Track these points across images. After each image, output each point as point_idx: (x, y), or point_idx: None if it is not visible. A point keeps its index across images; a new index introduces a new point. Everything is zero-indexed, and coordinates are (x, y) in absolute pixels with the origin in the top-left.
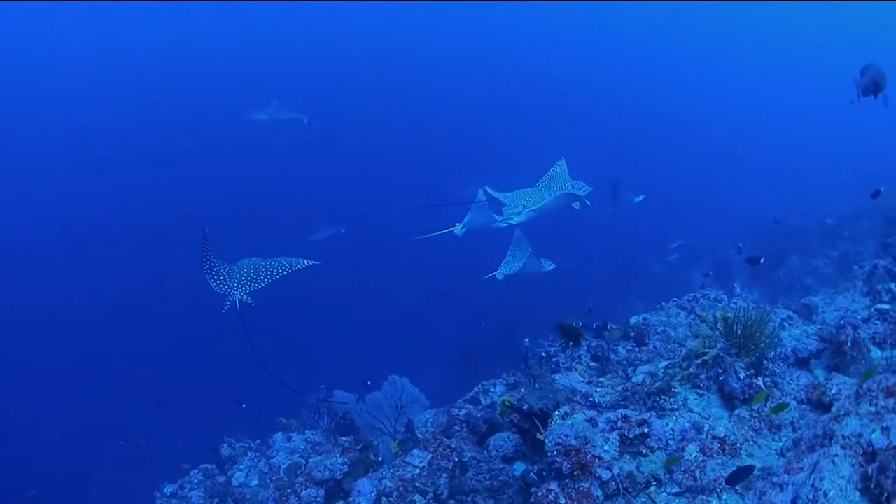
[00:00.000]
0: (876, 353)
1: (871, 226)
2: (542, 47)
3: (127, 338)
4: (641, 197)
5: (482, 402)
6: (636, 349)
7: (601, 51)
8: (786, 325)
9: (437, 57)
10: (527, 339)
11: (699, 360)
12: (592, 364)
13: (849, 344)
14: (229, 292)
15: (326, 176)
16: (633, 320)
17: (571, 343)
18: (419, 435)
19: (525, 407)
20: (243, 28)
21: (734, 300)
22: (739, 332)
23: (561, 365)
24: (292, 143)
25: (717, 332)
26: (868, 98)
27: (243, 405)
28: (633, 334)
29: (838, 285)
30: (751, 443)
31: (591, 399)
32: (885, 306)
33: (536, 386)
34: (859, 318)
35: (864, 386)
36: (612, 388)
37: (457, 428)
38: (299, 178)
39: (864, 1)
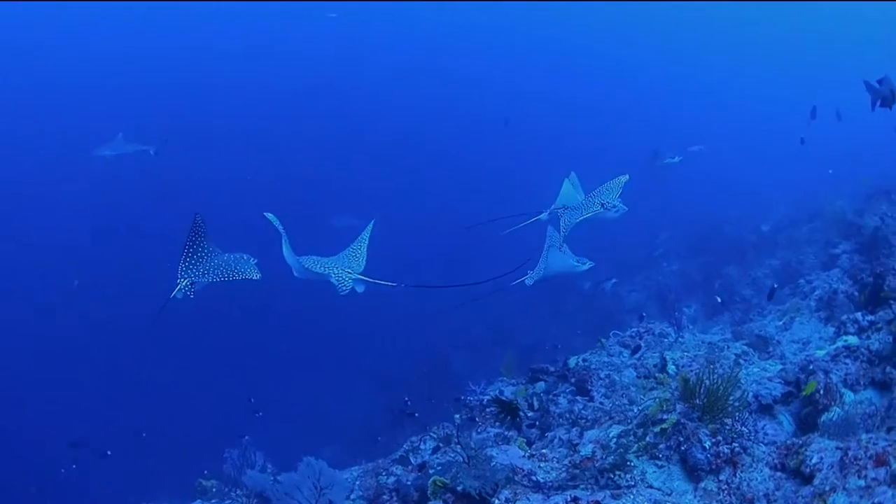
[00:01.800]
0: (849, 396)
1: (810, 232)
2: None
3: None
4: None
5: (412, 461)
6: (578, 400)
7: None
8: (742, 361)
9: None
10: (456, 417)
11: (657, 429)
12: (530, 414)
13: (821, 392)
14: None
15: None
16: (571, 362)
17: (509, 417)
18: None
19: (460, 488)
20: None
21: (682, 335)
22: (703, 397)
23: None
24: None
25: (676, 394)
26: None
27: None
28: (573, 379)
29: (785, 302)
30: None
31: (534, 478)
32: (853, 340)
33: (471, 463)
34: (824, 353)
35: (850, 453)
36: (557, 462)
37: (385, 497)
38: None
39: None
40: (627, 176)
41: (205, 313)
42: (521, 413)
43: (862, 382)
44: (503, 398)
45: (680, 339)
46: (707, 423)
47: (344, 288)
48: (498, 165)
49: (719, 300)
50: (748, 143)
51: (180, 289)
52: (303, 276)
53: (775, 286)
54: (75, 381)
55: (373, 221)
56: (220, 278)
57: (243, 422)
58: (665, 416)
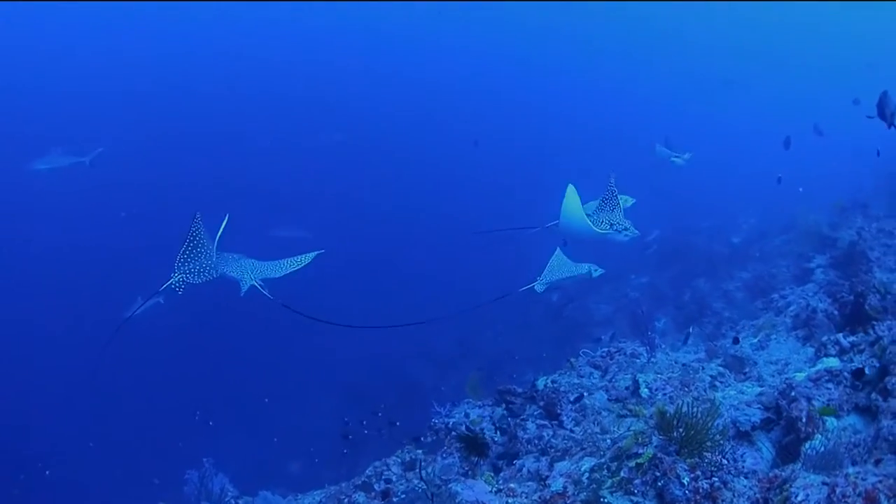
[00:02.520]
0: (832, 422)
1: (782, 244)
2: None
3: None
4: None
5: (375, 488)
6: (548, 425)
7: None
8: (717, 384)
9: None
10: (420, 453)
11: (632, 463)
12: (497, 438)
13: (803, 420)
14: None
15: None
16: (540, 383)
17: (476, 456)
18: None
19: None
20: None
21: (655, 354)
22: (681, 431)
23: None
24: None
25: (651, 426)
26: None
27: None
28: (541, 402)
29: (758, 317)
30: None
31: None
32: (834, 362)
33: (434, 501)
34: (804, 377)
35: (838, 490)
36: (526, 498)
37: None
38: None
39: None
40: (633, 200)
41: (167, 328)
42: (488, 446)
43: (845, 408)
44: (469, 433)
45: (652, 360)
46: (685, 458)
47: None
48: (474, 172)
49: (690, 331)
50: (718, 155)
51: (173, 284)
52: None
53: (738, 337)
54: (32, 392)
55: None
56: (214, 276)
57: (209, 438)
58: (640, 450)
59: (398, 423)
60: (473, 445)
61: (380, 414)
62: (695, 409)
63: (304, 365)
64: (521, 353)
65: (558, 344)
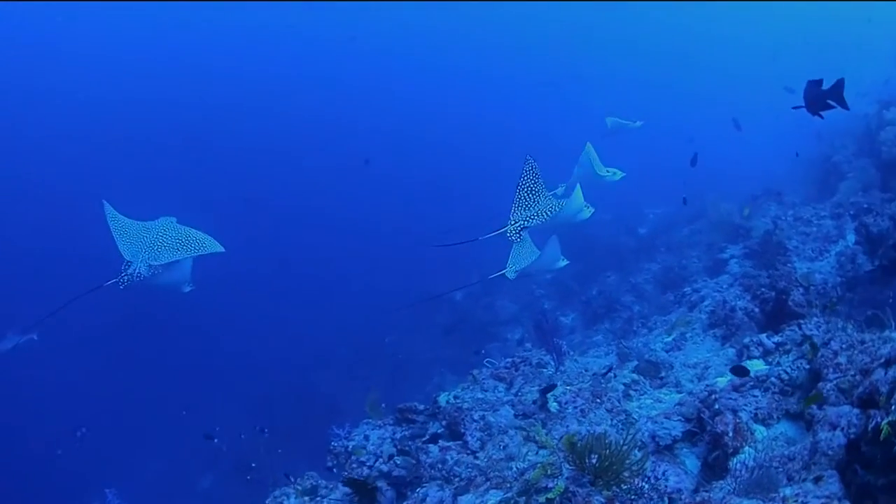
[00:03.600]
0: (761, 432)
1: (691, 234)
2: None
3: None
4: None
5: None
6: (452, 447)
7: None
8: (632, 392)
9: None
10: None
11: (542, 498)
12: (399, 461)
13: (730, 434)
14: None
15: None
16: (442, 399)
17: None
18: None
19: None
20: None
21: (563, 362)
22: (594, 462)
23: None
24: None
25: (561, 455)
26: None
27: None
28: (444, 421)
29: (670, 311)
30: None
31: None
32: (760, 365)
33: None
34: (727, 382)
35: None
36: None
37: None
38: None
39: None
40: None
41: (64, 338)
42: (377, 494)
43: (775, 416)
44: (358, 479)
45: (561, 369)
46: (602, 489)
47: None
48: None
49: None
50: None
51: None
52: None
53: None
54: None
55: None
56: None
57: (115, 458)
58: (550, 483)
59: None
60: (363, 492)
61: (265, 432)
62: (608, 436)
63: (207, 374)
64: (427, 354)
65: (464, 345)
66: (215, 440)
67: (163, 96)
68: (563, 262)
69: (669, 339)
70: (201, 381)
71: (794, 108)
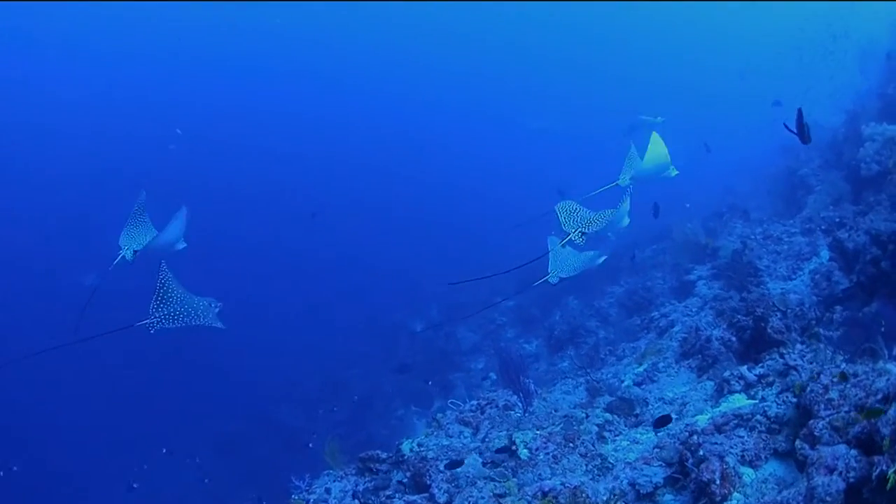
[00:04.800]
0: (749, 475)
1: (655, 254)
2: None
3: None
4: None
5: None
6: (417, 501)
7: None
8: (606, 434)
9: None
10: None
11: None
12: None
13: (717, 482)
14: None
15: None
16: (405, 448)
17: None
18: None
19: None
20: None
21: (531, 403)
22: None
23: None
24: None
25: None
26: None
27: None
28: (409, 472)
29: (638, 337)
30: None
31: None
32: (741, 400)
33: None
34: (708, 420)
35: None
36: None
37: None
38: None
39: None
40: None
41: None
42: None
43: (763, 456)
44: None
45: (529, 410)
46: None
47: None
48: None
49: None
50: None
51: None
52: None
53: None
54: None
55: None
56: (184, 323)
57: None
58: None
59: None
60: None
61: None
62: (585, 489)
63: (174, 413)
64: (390, 387)
65: (427, 376)
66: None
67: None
68: (601, 259)
69: (640, 369)
70: (165, 414)
71: (786, 126)
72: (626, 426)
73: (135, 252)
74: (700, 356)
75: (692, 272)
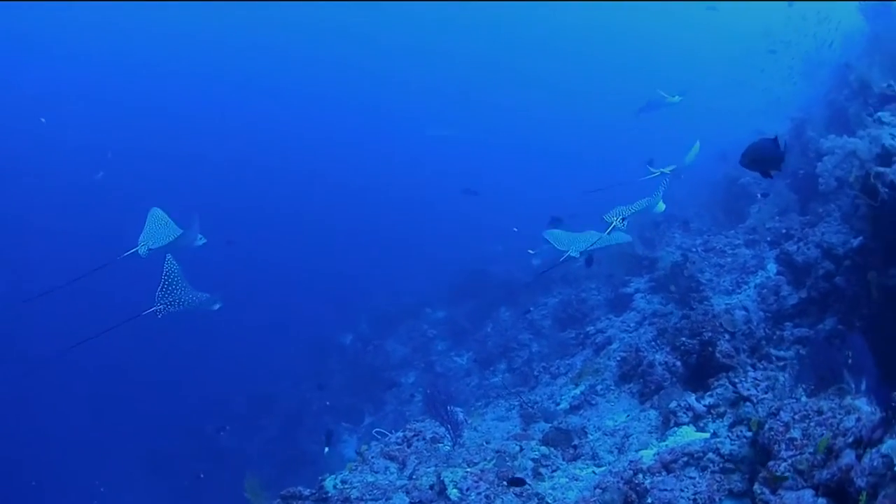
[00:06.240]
0: None
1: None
2: None
3: None
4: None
5: None
6: None
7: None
8: (542, 470)
9: None
10: None
11: None
12: None
13: None
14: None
15: None
16: (328, 484)
17: None
18: None
19: None
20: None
21: (461, 435)
22: None
23: None
24: None
25: None
26: None
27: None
28: None
29: (572, 353)
30: None
31: None
32: (693, 438)
33: None
34: (653, 455)
35: None
36: None
37: None
38: None
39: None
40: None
41: None
42: None
43: (717, 498)
44: None
45: (459, 443)
46: None
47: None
48: None
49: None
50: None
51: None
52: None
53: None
54: None
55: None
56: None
57: None
58: None
59: None
60: None
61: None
62: None
63: (105, 429)
64: (319, 403)
65: (356, 391)
66: None
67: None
68: (626, 238)
69: (577, 391)
70: (95, 432)
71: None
72: (563, 460)
73: (149, 249)
74: (642, 381)
75: (629, 284)
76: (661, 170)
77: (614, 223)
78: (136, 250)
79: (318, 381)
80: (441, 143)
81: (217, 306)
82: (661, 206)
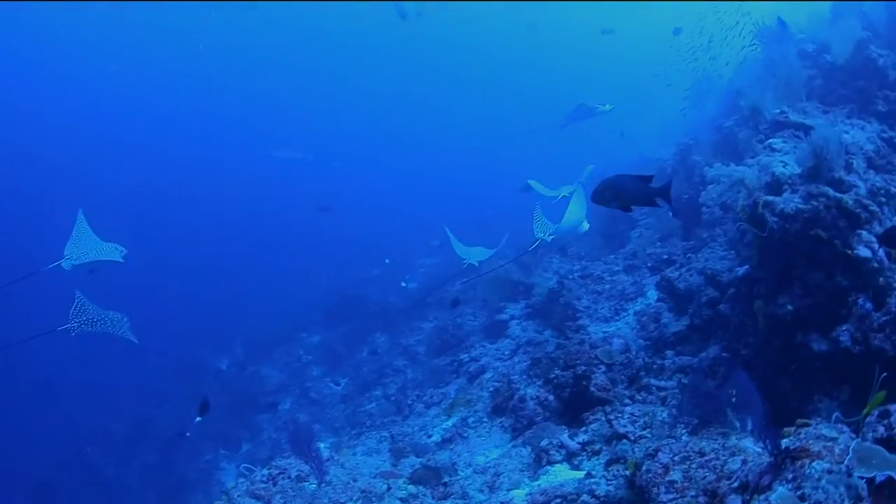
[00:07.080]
0: None
1: (464, 290)
2: None
3: None
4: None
5: None
6: None
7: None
8: None
9: None
10: None
11: None
12: None
13: None
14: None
15: None
16: None
17: None
18: None
19: None
20: None
21: (327, 472)
22: None
23: None
24: None
25: None
26: None
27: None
28: None
29: (447, 381)
30: None
31: None
32: (567, 477)
33: None
34: (525, 496)
35: None
36: None
37: None
38: None
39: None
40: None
41: None
42: None
43: None
44: None
45: (326, 480)
46: None
47: None
48: None
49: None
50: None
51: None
52: None
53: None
54: None
55: None
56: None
57: None
58: None
59: None
60: None
61: None
62: None
63: None
64: (195, 428)
65: (230, 417)
66: None
67: None
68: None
69: (449, 423)
70: None
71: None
72: (433, 498)
73: (73, 265)
74: (514, 416)
75: (505, 311)
76: (562, 193)
77: (541, 237)
78: (60, 263)
79: (198, 408)
80: (295, 165)
81: (127, 322)
82: (586, 226)
